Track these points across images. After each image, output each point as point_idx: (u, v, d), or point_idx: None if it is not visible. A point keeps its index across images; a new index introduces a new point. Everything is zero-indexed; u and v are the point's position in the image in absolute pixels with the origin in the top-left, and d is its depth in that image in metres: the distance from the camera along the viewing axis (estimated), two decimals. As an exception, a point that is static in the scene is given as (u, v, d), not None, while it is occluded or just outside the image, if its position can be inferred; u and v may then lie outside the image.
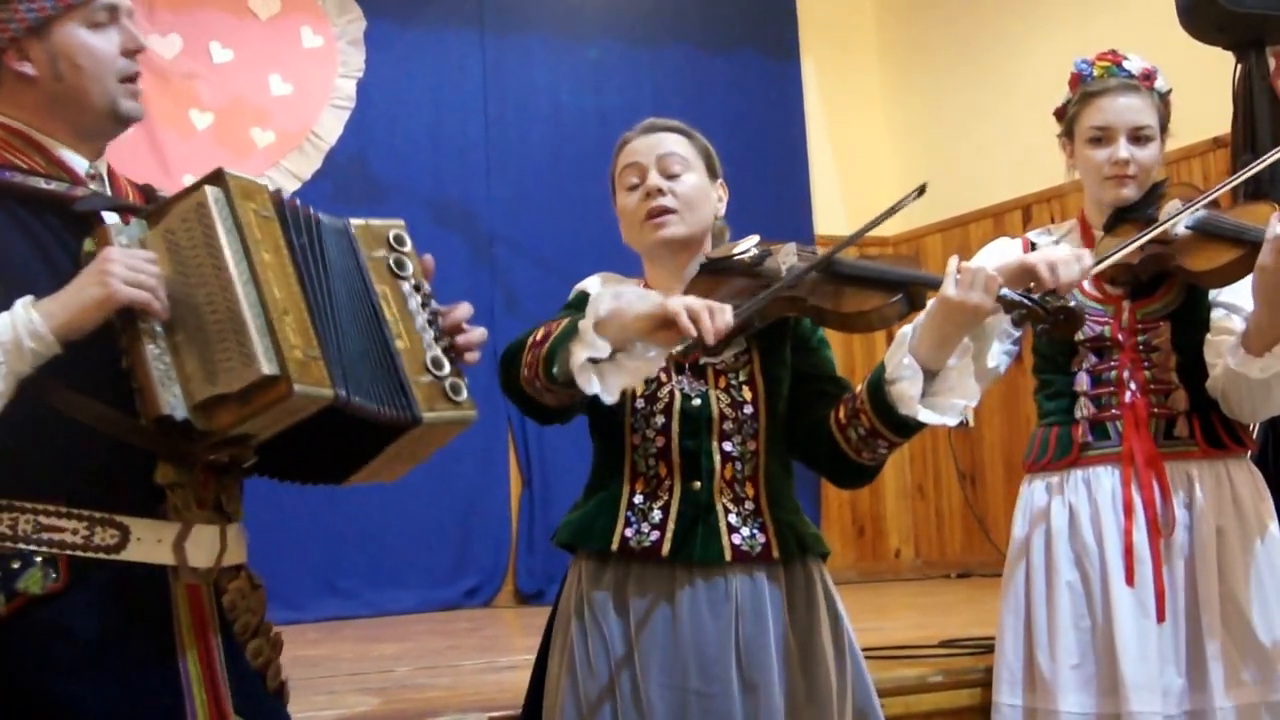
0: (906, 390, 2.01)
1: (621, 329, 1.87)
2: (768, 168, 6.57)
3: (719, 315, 1.85)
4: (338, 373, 1.76)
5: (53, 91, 1.85)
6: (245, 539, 1.94)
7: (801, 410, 2.20)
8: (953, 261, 2.05)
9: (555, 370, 1.91)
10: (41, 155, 1.86)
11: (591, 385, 1.86)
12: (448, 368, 1.88)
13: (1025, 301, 2.05)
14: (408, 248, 1.93)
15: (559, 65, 6.44)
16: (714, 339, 1.84)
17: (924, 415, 2.01)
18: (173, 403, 1.69)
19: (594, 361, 1.87)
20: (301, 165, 5.73)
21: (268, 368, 1.67)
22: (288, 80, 5.77)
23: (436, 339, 1.89)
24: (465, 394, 1.88)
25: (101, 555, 1.76)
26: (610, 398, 1.87)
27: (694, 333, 1.83)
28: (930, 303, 2.05)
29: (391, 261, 1.91)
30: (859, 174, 7.08)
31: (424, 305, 1.90)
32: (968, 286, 2.00)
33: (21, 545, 1.74)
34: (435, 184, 6.08)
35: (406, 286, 1.90)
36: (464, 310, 1.95)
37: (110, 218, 1.76)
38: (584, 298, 2.17)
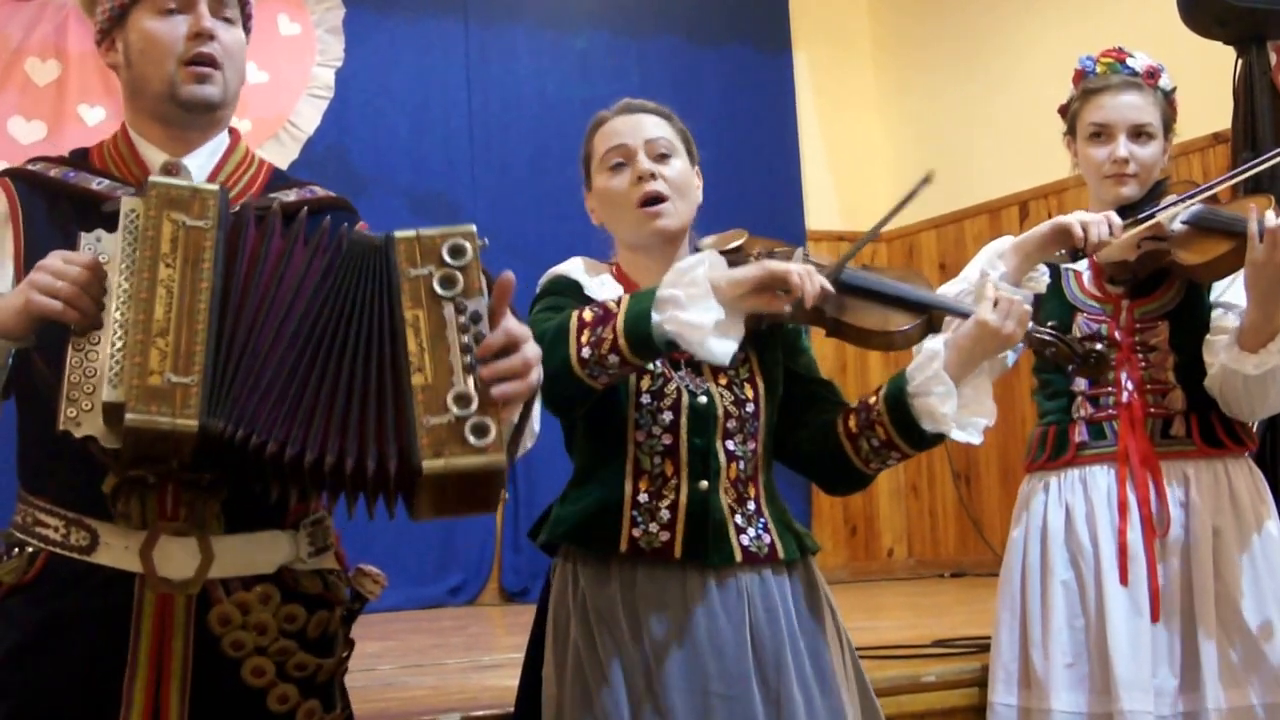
0: (937, 407, 2.03)
1: (717, 292, 1.88)
2: (759, 163, 6.53)
3: (818, 279, 1.94)
4: (230, 402, 1.63)
5: (129, 79, 1.93)
6: (278, 550, 1.86)
7: (796, 414, 2.18)
8: (990, 288, 2.11)
9: (653, 340, 1.87)
10: (131, 153, 1.92)
11: (716, 348, 1.86)
12: (475, 404, 1.65)
13: (1055, 340, 2.15)
14: (465, 260, 1.70)
15: (545, 55, 6.39)
16: (812, 303, 1.93)
17: (957, 434, 2.05)
18: (78, 418, 1.62)
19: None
20: (278, 155, 5.62)
21: (108, 394, 1.59)
22: (263, 68, 5.68)
23: (469, 369, 1.66)
24: (492, 434, 1.64)
25: (75, 555, 1.77)
26: (726, 361, 1.90)
27: (797, 295, 1.90)
28: (963, 323, 2.09)
29: (438, 279, 1.69)
30: (852, 169, 7.05)
31: (464, 330, 1.69)
32: (1004, 315, 2.06)
33: (22, 536, 1.80)
34: (417, 176, 6.03)
35: (449, 309, 1.69)
36: (499, 336, 1.70)
37: (91, 233, 1.71)
38: (560, 282, 2.14)
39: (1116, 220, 2.50)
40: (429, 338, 1.68)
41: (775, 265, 1.89)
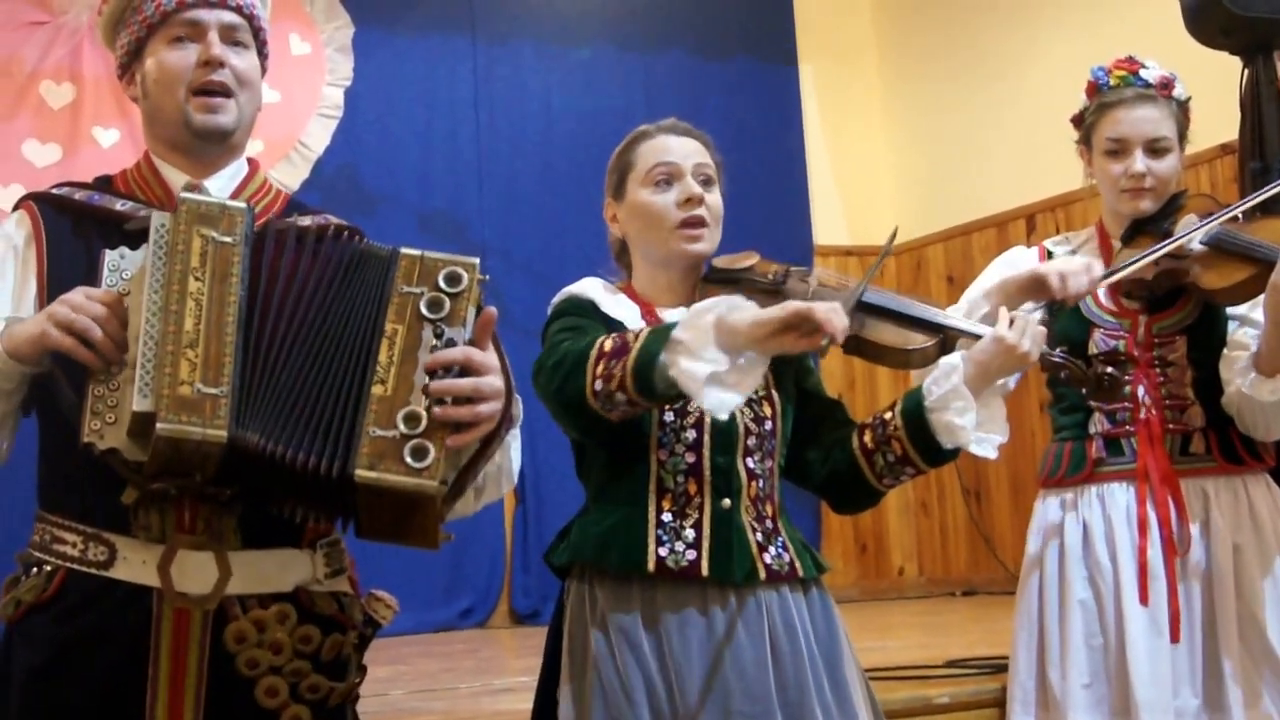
0: (955, 420, 2.03)
1: (732, 338, 1.79)
2: (765, 177, 6.51)
3: (841, 316, 1.84)
4: (252, 412, 1.67)
5: (147, 109, 1.97)
6: (296, 569, 1.86)
7: (807, 433, 2.17)
8: (1003, 310, 2.14)
9: (656, 384, 1.80)
10: (155, 177, 1.96)
11: (711, 400, 1.77)
12: (423, 426, 1.68)
13: (1068, 363, 2.14)
14: (458, 289, 1.74)
15: (551, 70, 6.39)
16: (841, 338, 1.84)
17: (974, 447, 2.05)
18: (102, 431, 1.66)
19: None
20: (289, 175, 5.65)
21: (139, 403, 1.63)
22: (275, 88, 5.69)
23: (428, 393, 1.70)
24: (430, 459, 1.67)
25: (93, 570, 1.78)
26: (724, 415, 1.82)
27: (827, 333, 1.81)
28: (981, 340, 2.09)
29: (426, 301, 1.73)
30: (858, 184, 7.03)
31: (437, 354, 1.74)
32: (1020, 333, 2.06)
33: (40, 555, 1.81)
34: (425, 194, 6.02)
35: (428, 331, 1.73)
36: (453, 354, 1.73)
37: (115, 251, 1.75)
38: (576, 301, 2.12)
39: (1096, 273, 2.44)
40: (401, 353, 1.72)
41: (802, 306, 1.79)
